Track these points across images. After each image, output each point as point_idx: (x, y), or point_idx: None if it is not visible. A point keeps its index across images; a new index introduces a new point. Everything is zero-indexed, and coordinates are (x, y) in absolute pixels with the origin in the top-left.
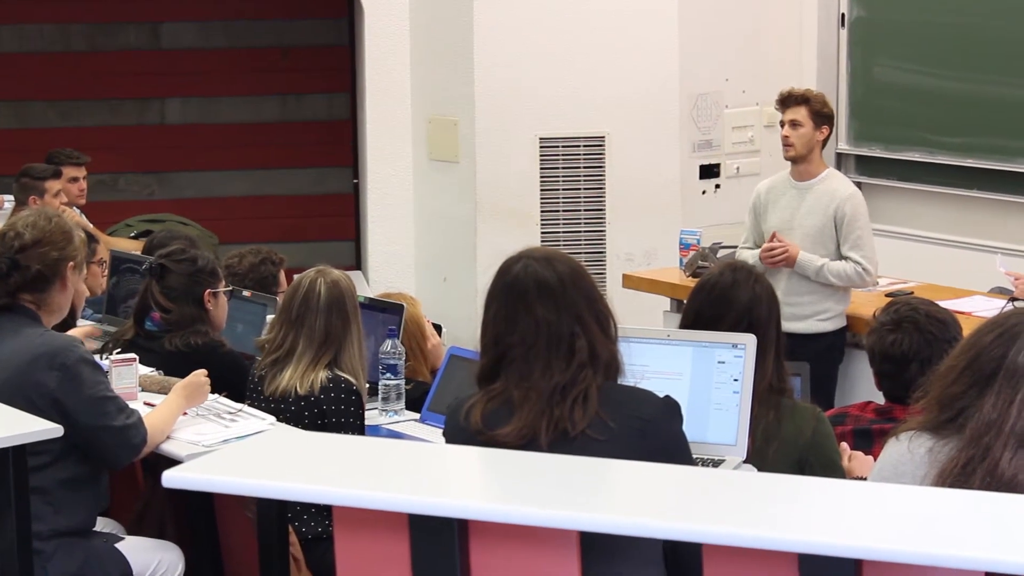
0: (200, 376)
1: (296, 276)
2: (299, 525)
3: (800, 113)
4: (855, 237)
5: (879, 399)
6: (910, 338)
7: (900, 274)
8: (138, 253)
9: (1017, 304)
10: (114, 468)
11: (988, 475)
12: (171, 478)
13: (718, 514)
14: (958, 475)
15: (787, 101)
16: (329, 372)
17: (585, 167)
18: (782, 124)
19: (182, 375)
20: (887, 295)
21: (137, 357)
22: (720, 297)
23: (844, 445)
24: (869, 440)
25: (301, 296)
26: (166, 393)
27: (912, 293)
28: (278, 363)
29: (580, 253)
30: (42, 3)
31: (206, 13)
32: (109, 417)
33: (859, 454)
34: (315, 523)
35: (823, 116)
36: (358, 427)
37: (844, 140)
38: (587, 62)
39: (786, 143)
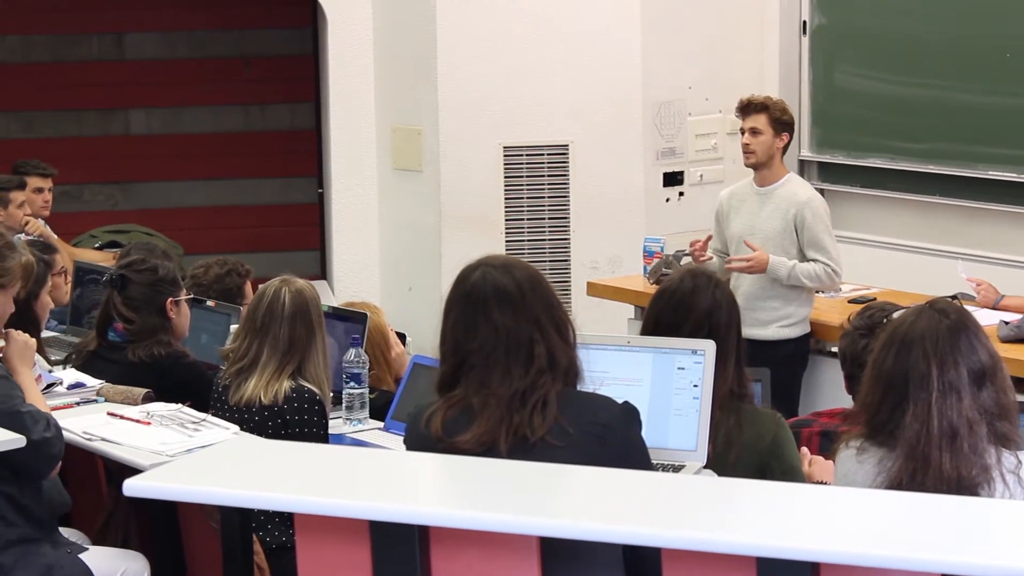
0: (12, 333)
1: (261, 286)
2: (263, 534)
3: (760, 121)
4: (818, 240)
5: (848, 405)
6: None
7: (863, 280)
8: (104, 264)
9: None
10: (37, 480)
11: (936, 481)
12: (133, 487)
13: (677, 519)
14: (907, 486)
15: (747, 109)
16: (293, 382)
17: (549, 175)
18: (742, 131)
19: (146, 385)
20: (850, 301)
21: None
22: (680, 303)
23: (805, 450)
24: (834, 441)
25: (265, 305)
26: (130, 403)
27: (875, 299)
28: (242, 372)
29: (544, 261)
30: (4, 14)
31: (169, 24)
32: (26, 432)
33: (819, 459)
34: (279, 532)
35: (783, 123)
36: (322, 436)
37: (806, 147)
38: (550, 71)
39: (746, 150)
